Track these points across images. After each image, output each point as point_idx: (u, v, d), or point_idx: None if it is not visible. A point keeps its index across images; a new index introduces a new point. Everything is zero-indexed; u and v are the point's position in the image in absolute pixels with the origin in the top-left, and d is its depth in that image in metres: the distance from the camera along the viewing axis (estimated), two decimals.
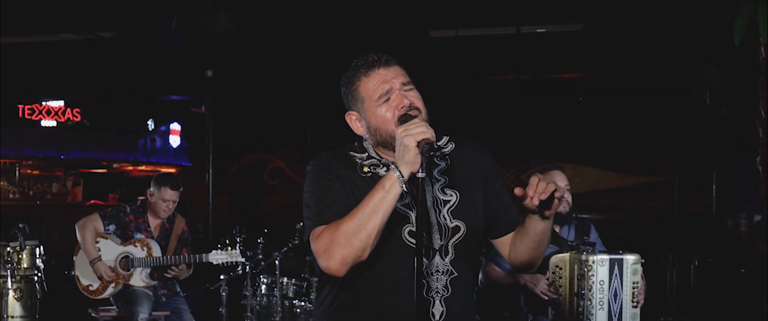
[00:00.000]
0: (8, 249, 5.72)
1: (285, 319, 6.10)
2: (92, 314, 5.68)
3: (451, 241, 2.30)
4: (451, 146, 2.42)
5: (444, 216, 2.31)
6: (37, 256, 5.85)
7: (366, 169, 2.34)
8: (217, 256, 5.38)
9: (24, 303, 5.75)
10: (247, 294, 6.23)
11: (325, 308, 2.37)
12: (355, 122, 2.39)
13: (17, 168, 17.04)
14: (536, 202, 2.13)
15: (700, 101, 9.09)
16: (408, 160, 2.09)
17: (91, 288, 5.50)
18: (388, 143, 2.31)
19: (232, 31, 8.57)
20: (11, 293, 5.69)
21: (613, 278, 3.94)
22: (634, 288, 3.97)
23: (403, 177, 2.11)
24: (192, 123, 16.94)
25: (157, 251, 5.42)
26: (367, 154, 2.39)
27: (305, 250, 4.27)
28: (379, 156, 2.37)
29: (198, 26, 8.53)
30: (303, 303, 6.10)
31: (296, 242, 5.96)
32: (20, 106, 16.26)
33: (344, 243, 2.13)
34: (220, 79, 10.05)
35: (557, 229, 4.33)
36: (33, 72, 13.77)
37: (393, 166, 2.13)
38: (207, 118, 10.01)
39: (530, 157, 14.04)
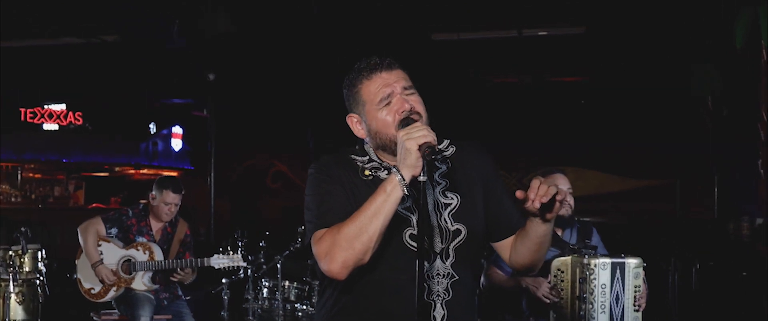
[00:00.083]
0: (10, 252, 5.72)
1: None
2: (94, 318, 5.68)
3: (452, 245, 2.31)
4: (452, 149, 2.43)
5: (445, 219, 2.31)
6: (39, 259, 5.85)
7: (367, 173, 2.35)
8: (218, 261, 5.38)
9: (26, 306, 5.75)
10: (249, 297, 6.23)
11: (327, 311, 2.37)
12: (356, 125, 2.40)
13: (19, 171, 17.04)
14: (538, 205, 2.13)
15: (702, 104, 9.09)
16: (409, 164, 2.10)
17: (92, 291, 5.51)
18: (388, 147, 2.31)
19: (234, 34, 8.57)
20: (13, 297, 5.69)
21: (614, 282, 3.94)
22: (635, 291, 3.97)
23: (404, 180, 2.11)
24: (194, 126, 16.93)
25: (158, 255, 5.42)
26: (368, 157, 2.39)
27: (307, 254, 4.28)
28: (380, 159, 2.38)
29: (199, 29, 8.53)
30: (304, 306, 6.10)
31: (298, 246, 5.96)
32: (22, 110, 16.25)
33: (345, 246, 2.14)
34: (222, 82, 10.06)
35: (559, 233, 4.32)
36: (35, 75, 13.78)
37: (394, 170, 2.13)
38: (209, 122, 10.02)
39: (532, 160, 14.04)
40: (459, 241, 2.31)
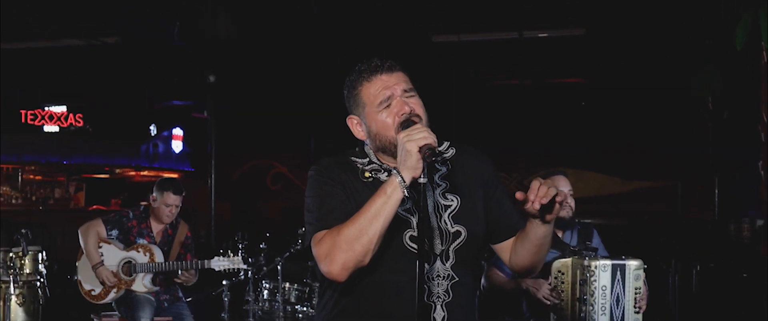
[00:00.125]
0: (11, 254, 5.73)
1: None
2: (94, 319, 5.68)
3: (452, 246, 2.31)
4: (452, 151, 2.43)
5: (445, 221, 2.31)
6: (40, 261, 5.86)
7: (367, 175, 2.35)
8: (219, 263, 5.38)
9: (26, 308, 5.75)
10: (250, 299, 6.22)
11: (327, 313, 2.37)
12: (356, 126, 2.40)
13: (20, 173, 17.04)
14: (537, 206, 2.13)
15: (702, 105, 9.09)
16: (410, 166, 2.10)
17: (93, 293, 5.51)
18: (387, 149, 2.31)
19: (235, 36, 8.57)
20: (14, 299, 5.70)
21: (615, 284, 3.94)
22: (636, 293, 3.97)
23: (404, 182, 2.11)
24: (194, 128, 16.94)
25: (159, 257, 5.42)
26: (368, 159, 2.39)
27: (307, 255, 4.28)
28: (380, 161, 2.38)
29: (200, 31, 8.53)
30: (305, 308, 6.10)
31: (298, 247, 5.96)
32: (23, 112, 16.25)
33: (346, 248, 2.14)
34: (223, 84, 10.05)
35: (560, 234, 4.33)
36: (35, 77, 13.79)
37: (394, 171, 2.14)
38: (209, 124, 10.01)
39: (532, 162, 14.04)
40: (459, 243, 2.31)
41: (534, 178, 2.19)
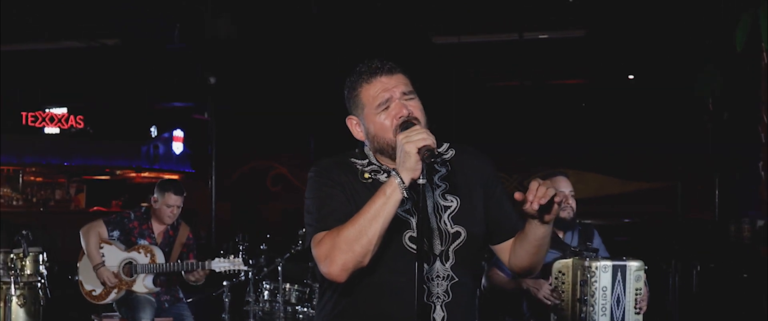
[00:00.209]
0: (12, 256, 5.73)
1: None
2: (95, 320, 5.68)
3: (452, 247, 2.31)
4: (451, 152, 2.43)
5: (445, 222, 2.32)
6: (41, 262, 5.85)
7: (367, 176, 2.35)
8: (219, 264, 5.38)
9: (27, 309, 5.75)
10: (250, 300, 6.22)
11: (327, 314, 2.38)
12: (355, 127, 2.40)
13: (20, 175, 17.06)
14: (536, 206, 2.13)
15: (703, 106, 9.09)
16: (409, 167, 2.10)
17: (94, 293, 5.51)
18: (385, 150, 2.32)
19: (235, 37, 8.58)
20: (15, 300, 5.69)
21: (616, 284, 3.94)
22: (637, 294, 3.96)
23: (403, 183, 2.11)
24: (195, 130, 16.97)
25: (160, 258, 5.43)
26: (367, 160, 2.40)
27: (307, 256, 4.28)
28: (380, 162, 2.38)
29: (200, 33, 8.54)
30: (306, 309, 6.10)
31: (298, 248, 5.96)
32: (23, 113, 16.29)
33: (345, 249, 2.14)
34: (223, 85, 10.06)
35: (561, 235, 4.32)
36: (36, 79, 13.82)
37: (394, 173, 2.14)
38: (210, 125, 10.02)
39: (533, 162, 14.04)
40: (459, 244, 2.31)
41: (533, 179, 2.19)
